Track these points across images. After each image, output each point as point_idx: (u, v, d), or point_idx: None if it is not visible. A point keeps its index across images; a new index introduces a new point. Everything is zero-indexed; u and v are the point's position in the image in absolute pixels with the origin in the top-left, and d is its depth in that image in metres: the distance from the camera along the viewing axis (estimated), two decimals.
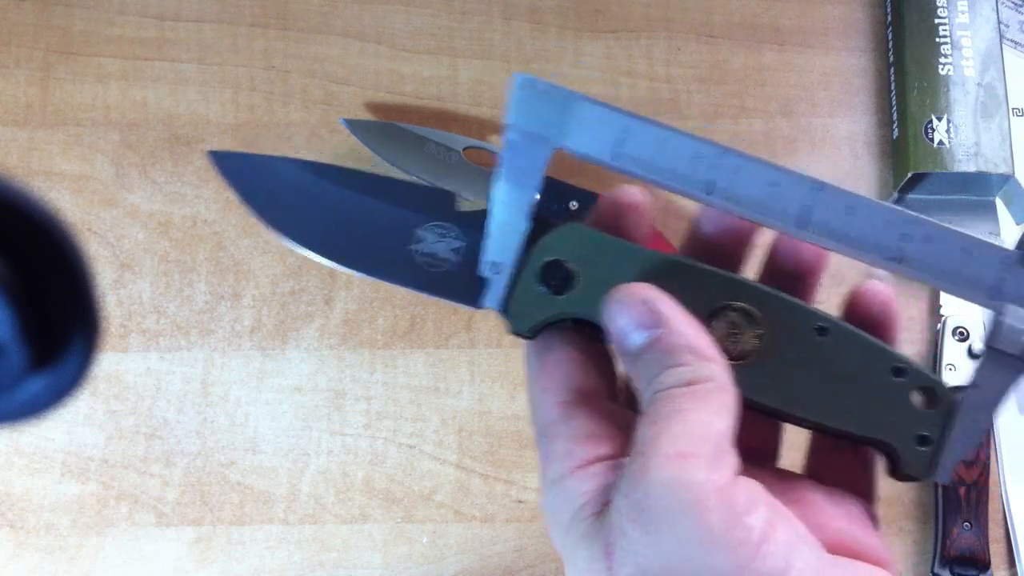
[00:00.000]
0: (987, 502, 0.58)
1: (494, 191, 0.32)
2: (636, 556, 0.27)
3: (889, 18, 0.66)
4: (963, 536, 0.57)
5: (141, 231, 0.60)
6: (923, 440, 0.32)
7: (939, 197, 0.63)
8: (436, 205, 0.33)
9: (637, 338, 0.30)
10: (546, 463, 0.31)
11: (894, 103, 0.64)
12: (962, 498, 0.58)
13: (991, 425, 0.32)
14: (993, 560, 0.57)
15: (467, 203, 0.33)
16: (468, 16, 0.66)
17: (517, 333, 0.32)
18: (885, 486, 0.60)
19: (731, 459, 0.28)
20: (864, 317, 0.34)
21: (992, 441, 0.60)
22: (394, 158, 0.60)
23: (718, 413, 0.28)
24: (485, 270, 0.32)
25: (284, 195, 0.33)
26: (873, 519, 0.34)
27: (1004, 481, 0.59)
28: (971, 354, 0.60)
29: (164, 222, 0.61)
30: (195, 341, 0.59)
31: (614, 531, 0.27)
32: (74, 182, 0.61)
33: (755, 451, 0.34)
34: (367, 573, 0.57)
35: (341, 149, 0.63)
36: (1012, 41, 0.66)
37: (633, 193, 0.34)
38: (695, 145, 0.31)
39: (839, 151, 0.64)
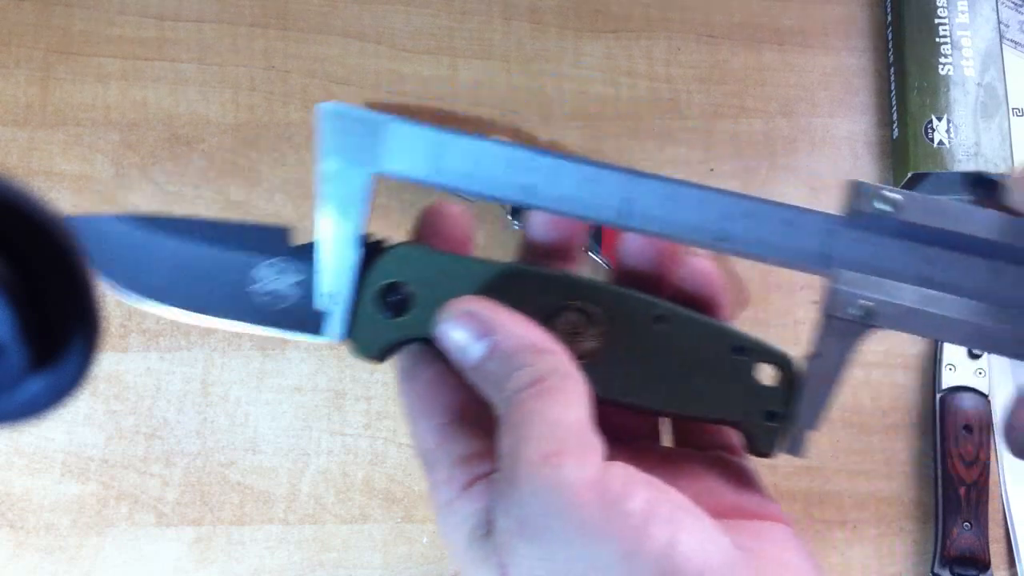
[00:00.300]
0: (987, 502, 0.58)
1: (318, 224, 0.31)
2: (531, 571, 0.26)
3: (889, 18, 0.66)
4: (963, 536, 0.57)
5: None
6: (771, 416, 0.32)
7: (940, 197, 0.62)
8: (269, 242, 0.33)
9: (475, 351, 0.30)
10: (434, 490, 0.31)
11: (894, 103, 0.64)
12: (962, 498, 0.58)
13: (836, 393, 0.32)
14: (993, 560, 0.57)
15: (302, 235, 0.33)
16: (468, 16, 0.66)
17: (364, 359, 0.32)
18: (885, 487, 0.60)
19: (596, 447, 0.28)
20: (693, 297, 0.34)
21: (992, 441, 0.60)
22: None
23: (570, 404, 0.28)
24: (321, 303, 0.32)
25: (117, 251, 0.33)
26: (756, 478, 0.34)
27: (1004, 481, 0.59)
28: (971, 354, 0.60)
29: None
30: (195, 341, 0.59)
31: (505, 550, 0.27)
32: (74, 182, 0.61)
33: (634, 433, 0.35)
34: (367, 573, 0.57)
35: None
36: (1012, 41, 0.66)
37: (446, 204, 0.34)
38: (509, 151, 0.31)
39: (839, 151, 0.64)
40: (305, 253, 0.32)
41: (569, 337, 0.31)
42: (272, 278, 0.33)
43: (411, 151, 0.32)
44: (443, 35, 0.65)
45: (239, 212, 0.61)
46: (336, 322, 0.32)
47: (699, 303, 0.34)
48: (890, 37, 0.66)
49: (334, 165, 0.31)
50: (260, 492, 0.58)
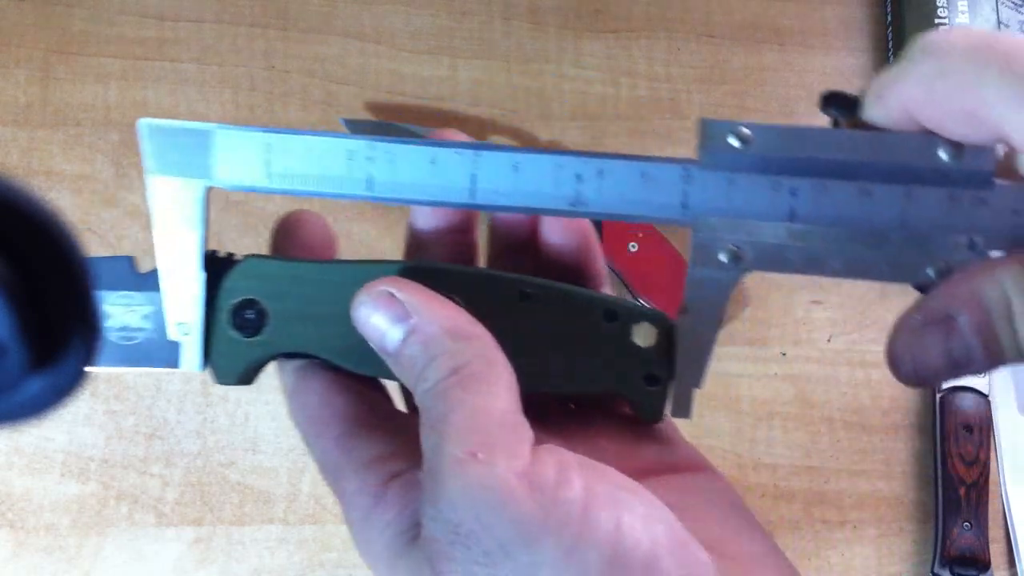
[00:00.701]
0: (987, 502, 0.58)
1: (156, 248, 0.30)
2: None
3: (889, 18, 0.66)
4: (963, 536, 0.57)
5: (141, 231, 0.60)
6: (653, 379, 0.31)
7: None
8: (113, 274, 0.31)
9: (393, 335, 0.28)
10: (347, 506, 0.29)
11: None
12: (962, 498, 0.58)
13: (713, 347, 0.31)
14: (993, 560, 0.57)
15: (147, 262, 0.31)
16: (468, 16, 0.66)
17: (227, 384, 0.31)
18: (885, 487, 0.60)
19: (525, 434, 0.26)
20: (567, 267, 0.33)
21: (992, 441, 0.60)
22: None
23: (496, 392, 0.27)
24: (173, 333, 0.30)
25: None
26: (673, 428, 0.33)
27: (1004, 481, 0.59)
28: None
29: None
30: None
31: (439, 557, 0.25)
32: (74, 182, 0.61)
33: (543, 405, 0.33)
34: (367, 573, 0.57)
35: None
36: None
37: (303, 211, 0.33)
38: (344, 143, 0.30)
39: None
40: (151, 281, 0.31)
41: None
42: (122, 312, 0.31)
43: (242, 157, 0.30)
44: (443, 35, 0.65)
45: (239, 212, 0.61)
46: (192, 351, 0.30)
47: (573, 272, 0.33)
48: (890, 37, 0.66)
49: (164, 183, 0.30)
50: (260, 492, 0.58)
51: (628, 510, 0.25)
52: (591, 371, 0.31)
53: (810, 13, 0.67)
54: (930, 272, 0.29)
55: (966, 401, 0.60)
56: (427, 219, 0.33)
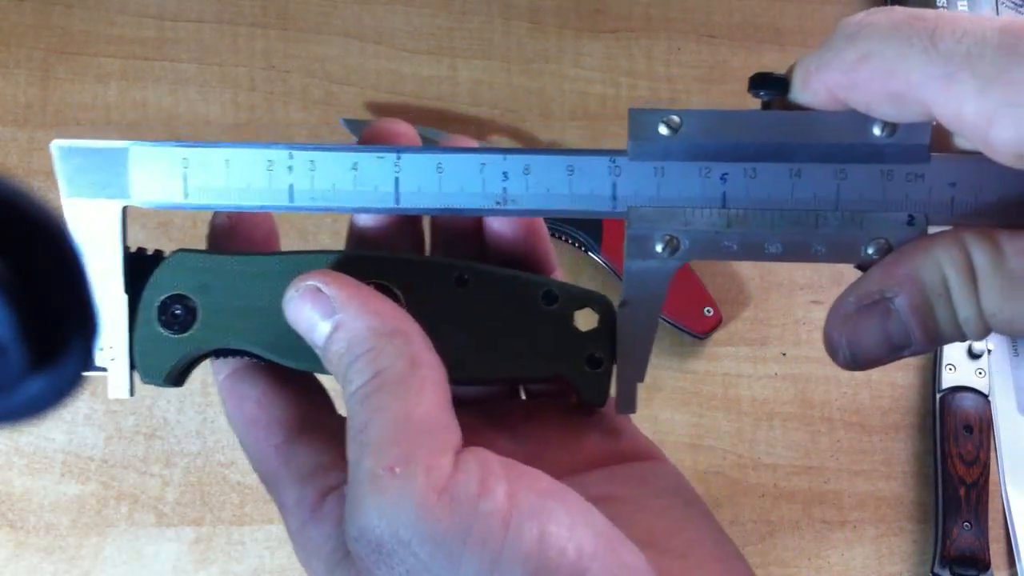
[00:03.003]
0: (987, 502, 0.58)
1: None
2: None
3: None
4: (963, 536, 0.57)
5: (141, 231, 0.60)
6: (594, 361, 0.30)
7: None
8: None
9: (321, 330, 0.27)
10: (285, 516, 0.29)
11: None
12: (962, 498, 0.58)
13: (653, 339, 0.30)
14: (993, 560, 0.57)
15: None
16: (468, 16, 0.66)
17: (154, 384, 0.30)
18: (885, 487, 0.60)
19: (450, 439, 0.25)
20: (510, 251, 0.32)
21: (992, 441, 0.60)
22: None
23: (419, 394, 0.26)
24: (98, 358, 0.29)
25: None
26: (624, 417, 0.33)
27: (1004, 481, 0.59)
28: (971, 354, 0.60)
29: (164, 222, 0.61)
30: None
31: None
32: None
33: (488, 394, 0.33)
34: None
35: None
36: None
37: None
38: (263, 153, 0.29)
39: None
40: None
41: None
42: None
43: (159, 173, 0.29)
44: (443, 35, 0.65)
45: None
46: (119, 376, 0.29)
47: (521, 257, 0.32)
48: None
49: (80, 206, 0.29)
50: (260, 492, 0.58)
51: (553, 519, 0.24)
52: (532, 355, 0.30)
53: (810, 13, 0.67)
54: (870, 251, 0.29)
55: (966, 401, 0.60)
56: (368, 215, 0.32)
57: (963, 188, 0.28)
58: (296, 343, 0.28)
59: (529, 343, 0.30)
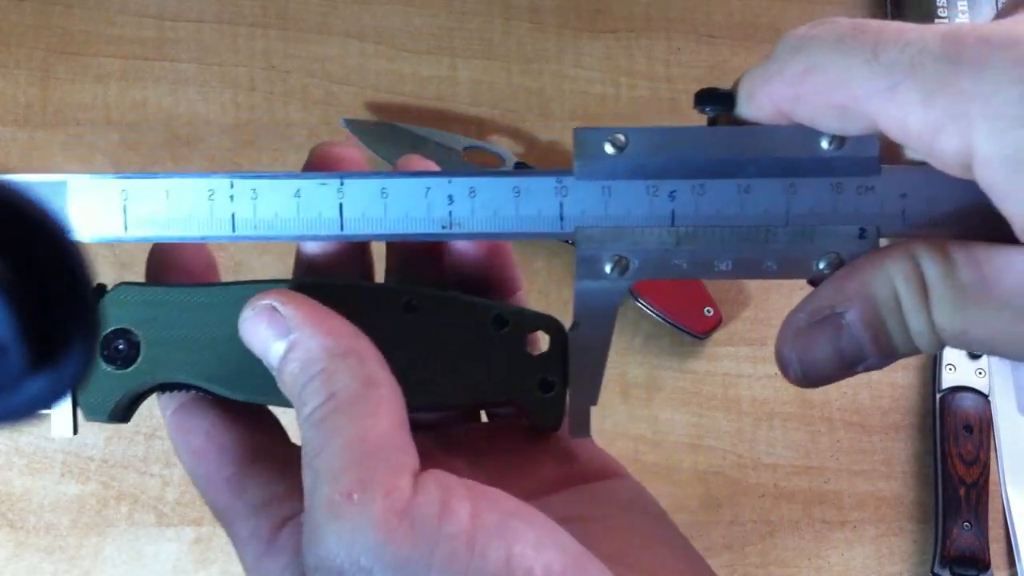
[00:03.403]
0: (987, 502, 0.58)
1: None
2: None
3: (889, 19, 0.66)
4: (963, 536, 0.57)
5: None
6: (546, 385, 0.30)
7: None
8: None
9: (276, 351, 0.26)
10: (240, 550, 0.28)
11: None
12: (962, 498, 0.58)
13: (605, 362, 0.30)
14: (993, 560, 0.57)
15: None
16: (468, 16, 0.66)
17: (96, 420, 0.29)
18: (885, 487, 0.60)
19: (408, 461, 0.25)
20: (471, 274, 0.31)
21: (992, 441, 0.60)
22: (394, 158, 0.60)
23: (375, 415, 0.25)
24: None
25: None
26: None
27: (1004, 481, 0.59)
28: (971, 354, 0.60)
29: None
30: None
31: None
32: None
33: (444, 419, 0.32)
34: None
35: None
36: None
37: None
38: (204, 182, 0.29)
39: None
40: None
41: None
42: None
43: (99, 207, 0.29)
44: (443, 35, 0.65)
45: None
46: (62, 415, 0.29)
47: (484, 280, 0.32)
48: None
49: None
50: None
51: (518, 539, 0.24)
52: (483, 381, 0.30)
53: (810, 13, 0.67)
54: (821, 266, 0.28)
55: (966, 401, 0.60)
56: (314, 243, 0.31)
57: (914, 199, 0.28)
58: (245, 374, 0.28)
59: (480, 369, 0.29)
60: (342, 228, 0.29)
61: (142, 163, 0.62)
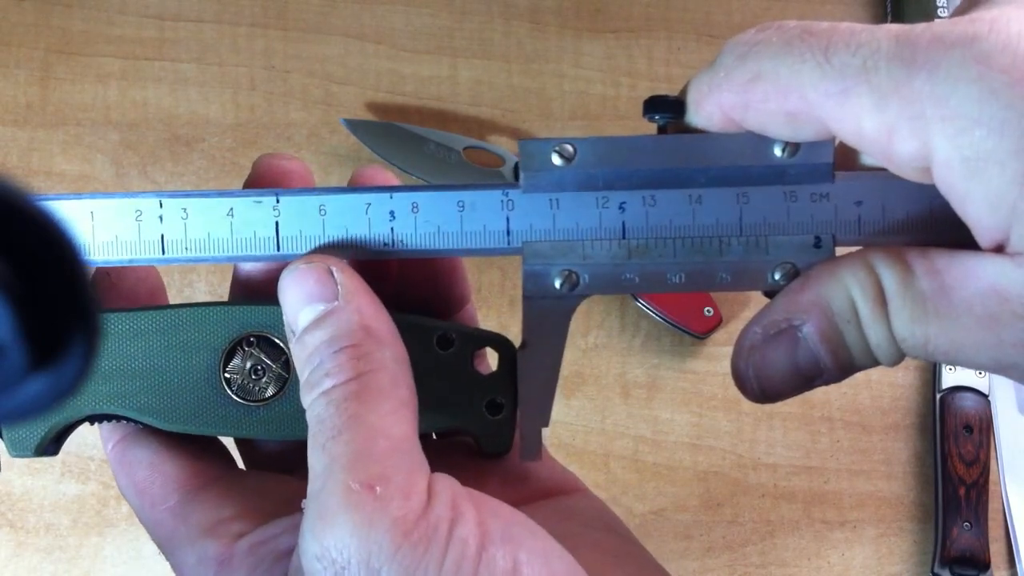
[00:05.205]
0: (987, 502, 0.58)
1: None
2: None
3: (889, 18, 0.66)
4: (963, 536, 0.57)
5: None
6: (495, 407, 0.29)
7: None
8: None
9: (309, 312, 0.25)
10: None
11: None
12: (962, 498, 0.58)
13: (555, 382, 0.28)
14: (993, 560, 0.57)
15: None
16: (468, 16, 0.66)
17: (22, 456, 0.28)
18: (885, 487, 0.60)
19: (423, 464, 0.24)
20: (420, 291, 0.30)
21: (992, 441, 0.60)
22: (394, 158, 0.60)
23: (398, 412, 0.24)
24: None
25: None
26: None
27: (1004, 481, 0.59)
28: None
29: None
30: None
31: None
32: (74, 182, 0.61)
33: None
34: None
35: (341, 149, 0.63)
36: None
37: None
38: (132, 202, 0.27)
39: None
40: None
41: (252, 374, 0.28)
42: None
43: None
44: (443, 35, 0.65)
45: None
46: None
47: (433, 296, 0.31)
48: None
49: None
50: None
51: (524, 547, 0.23)
52: (429, 406, 0.28)
53: (810, 13, 0.67)
54: (776, 276, 0.27)
55: (966, 401, 0.60)
56: (252, 264, 0.30)
57: (870, 206, 0.27)
58: (179, 403, 0.28)
59: (425, 392, 0.27)
60: (279, 248, 0.27)
61: (142, 163, 0.62)
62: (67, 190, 0.61)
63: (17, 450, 0.28)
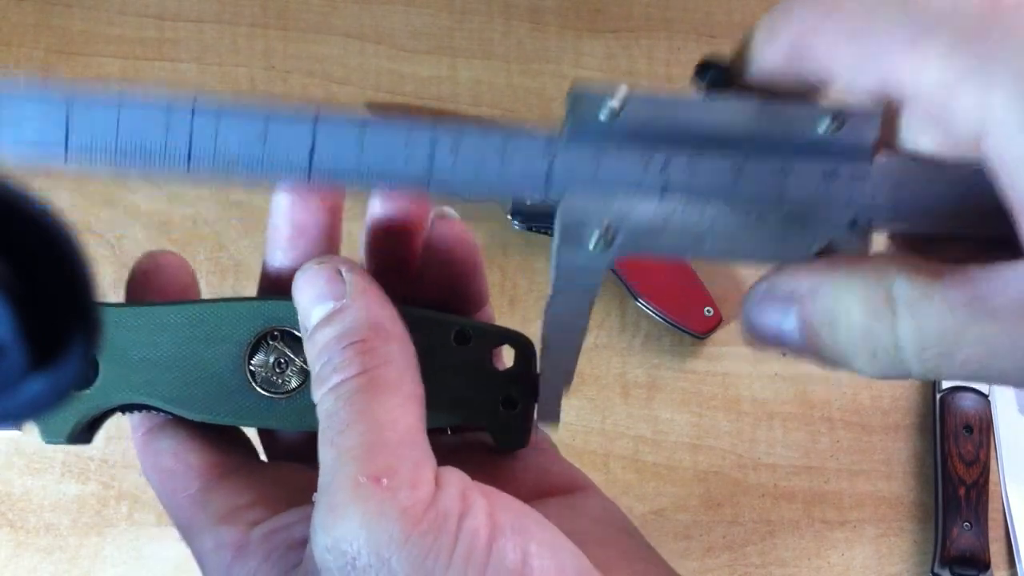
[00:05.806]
0: (987, 502, 0.58)
1: None
2: None
3: None
4: (963, 536, 0.57)
5: (141, 231, 0.60)
6: (510, 403, 0.29)
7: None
8: None
9: (320, 309, 0.26)
10: (204, 566, 0.28)
11: None
12: (962, 498, 0.58)
13: (580, 342, 0.28)
14: (993, 560, 0.57)
15: None
16: (468, 16, 0.66)
17: (54, 442, 0.29)
18: (885, 487, 0.60)
19: (429, 456, 0.24)
20: (439, 285, 0.30)
21: (992, 441, 0.60)
22: None
23: (405, 406, 0.25)
24: None
25: None
26: (550, 445, 0.32)
27: (1004, 481, 0.59)
28: None
29: (164, 222, 0.61)
30: None
31: None
32: (74, 182, 0.61)
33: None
34: None
35: None
36: None
37: (160, 254, 0.31)
38: (163, 106, 0.26)
39: None
40: None
41: (276, 367, 0.29)
42: None
43: (36, 128, 0.27)
44: (443, 35, 0.65)
45: (239, 212, 0.61)
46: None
47: (438, 297, 0.31)
48: None
49: None
50: None
51: (534, 539, 0.23)
52: (445, 401, 0.28)
53: None
54: (814, 251, 0.27)
55: (966, 401, 0.60)
56: (284, 255, 0.31)
57: (909, 191, 0.27)
58: (205, 395, 0.28)
59: (441, 388, 0.27)
60: (311, 176, 0.26)
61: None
62: (67, 190, 0.61)
63: (50, 437, 0.29)
